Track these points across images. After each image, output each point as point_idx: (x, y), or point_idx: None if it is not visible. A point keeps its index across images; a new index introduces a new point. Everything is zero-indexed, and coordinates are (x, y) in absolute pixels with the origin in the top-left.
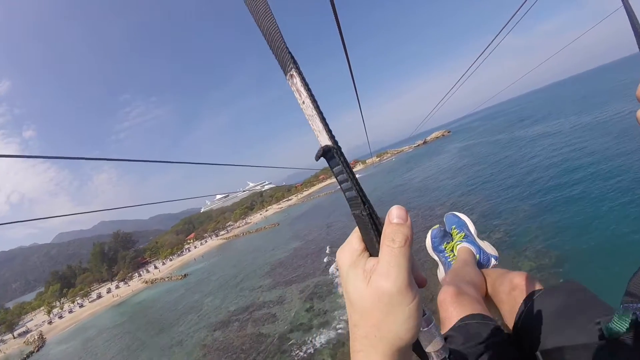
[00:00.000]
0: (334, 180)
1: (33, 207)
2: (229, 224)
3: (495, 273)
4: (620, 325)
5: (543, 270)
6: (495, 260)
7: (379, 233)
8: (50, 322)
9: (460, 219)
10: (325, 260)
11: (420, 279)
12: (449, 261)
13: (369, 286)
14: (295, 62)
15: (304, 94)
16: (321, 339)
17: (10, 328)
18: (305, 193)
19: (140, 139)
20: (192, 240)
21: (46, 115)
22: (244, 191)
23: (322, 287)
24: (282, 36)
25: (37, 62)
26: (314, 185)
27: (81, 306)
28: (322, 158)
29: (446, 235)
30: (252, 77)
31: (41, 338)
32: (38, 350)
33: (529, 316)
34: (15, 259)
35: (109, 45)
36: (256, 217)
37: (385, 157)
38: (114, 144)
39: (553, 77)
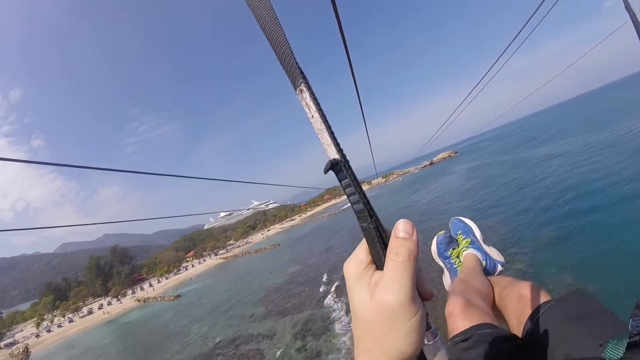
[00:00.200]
0: (338, 200)
1: (38, 216)
2: (229, 243)
3: (503, 282)
4: (614, 353)
5: None
6: (502, 266)
7: (385, 246)
8: (37, 336)
9: (466, 224)
10: (321, 290)
11: (426, 292)
12: (455, 267)
13: (373, 299)
14: (304, 77)
15: (313, 108)
16: None
17: None
18: (309, 213)
19: (148, 155)
20: (191, 259)
21: (55, 126)
22: (248, 209)
23: (316, 322)
24: (292, 52)
25: (49, 72)
26: (318, 205)
27: (71, 321)
28: (330, 172)
29: (452, 242)
30: (261, 95)
31: (26, 352)
32: None
33: (537, 328)
34: (17, 266)
35: (121, 60)
36: (258, 237)
37: (391, 178)
38: (120, 158)
39: (555, 99)
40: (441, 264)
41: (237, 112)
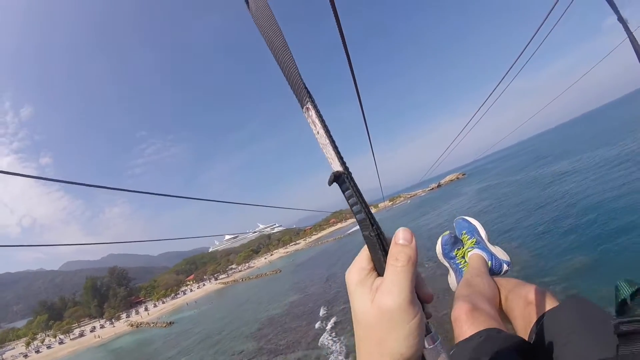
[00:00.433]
0: (344, 224)
1: (44, 233)
2: (231, 267)
3: (509, 284)
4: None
5: None
6: (508, 265)
7: (386, 253)
8: (25, 356)
9: (471, 223)
10: (317, 326)
11: (426, 295)
12: (461, 268)
13: (374, 303)
14: (310, 96)
15: (319, 124)
16: None
17: None
18: (314, 237)
19: (155, 176)
20: (190, 282)
21: (63, 144)
22: (253, 232)
23: None
24: (299, 72)
25: (61, 91)
26: (324, 229)
27: (61, 342)
28: (334, 184)
29: (457, 242)
30: (268, 120)
31: None
32: None
33: (542, 333)
34: (21, 282)
35: (131, 82)
36: (260, 261)
37: (398, 201)
38: (130, 178)
39: (559, 119)
40: (446, 264)
41: (247, 135)
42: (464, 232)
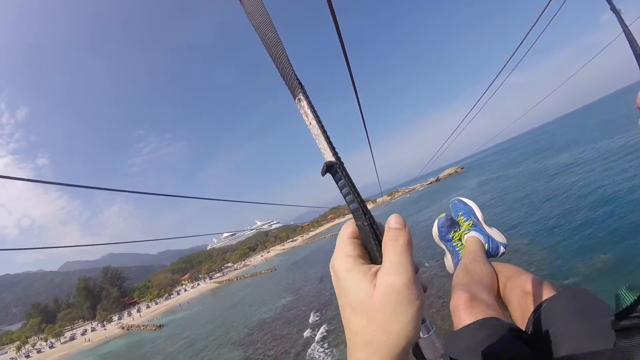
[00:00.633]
0: (342, 220)
1: (42, 234)
2: (227, 265)
3: (507, 271)
4: (628, 297)
5: None
6: (504, 247)
7: (379, 242)
8: None
9: (467, 204)
10: (305, 335)
11: (422, 285)
12: (457, 250)
13: (377, 286)
14: (302, 87)
15: (311, 115)
16: None
17: None
18: (312, 233)
19: (153, 175)
20: (185, 282)
21: (60, 144)
22: (250, 230)
23: None
24: (291, 64)
25: (57, 91)
26: (321, 225)
27: (52, 347)
28: (327, 174)
29: (453, 224)
30: (266, 117)
31: None
32: None
33: (539, 323)
34: (20, 283)
35: (128, 81)
36: (256, 259)
37: (396, 196)
38: (127, 177)
39: (558, 112)
40: (443, 246)
41: (244, 132)
42: (460, 213)
